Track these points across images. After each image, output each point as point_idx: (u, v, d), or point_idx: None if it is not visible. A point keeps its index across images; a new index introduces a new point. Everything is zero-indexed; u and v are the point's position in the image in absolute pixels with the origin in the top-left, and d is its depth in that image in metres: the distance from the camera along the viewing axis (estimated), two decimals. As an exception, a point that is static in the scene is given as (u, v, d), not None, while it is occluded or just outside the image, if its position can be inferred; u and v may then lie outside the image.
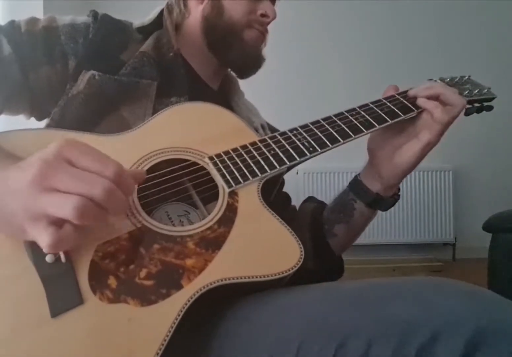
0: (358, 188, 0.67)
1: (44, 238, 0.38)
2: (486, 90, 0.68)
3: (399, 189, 0.68)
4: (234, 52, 0.71)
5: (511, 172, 2.64)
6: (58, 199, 0.37)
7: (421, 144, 0.60)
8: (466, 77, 0.71)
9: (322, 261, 0.69)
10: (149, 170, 0.53)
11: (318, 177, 2.58)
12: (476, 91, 0.67)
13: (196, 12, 0.73)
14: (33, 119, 0.70)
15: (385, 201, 0.66)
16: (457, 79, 0.69)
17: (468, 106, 0.67)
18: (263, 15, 0.71)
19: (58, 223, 0.38)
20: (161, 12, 0.72)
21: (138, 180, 0.46)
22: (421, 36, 2.68)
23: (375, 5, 2.65)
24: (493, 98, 0.69)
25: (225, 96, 0.80)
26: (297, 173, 2.54)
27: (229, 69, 0.80)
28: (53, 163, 0.38)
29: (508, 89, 2.52)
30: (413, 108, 0.63)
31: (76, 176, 0.38)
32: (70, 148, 0.39)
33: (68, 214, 0.37)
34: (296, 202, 0.82)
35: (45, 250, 0.39)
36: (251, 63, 0.75)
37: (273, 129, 0.80)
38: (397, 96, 0.65)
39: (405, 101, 0.64)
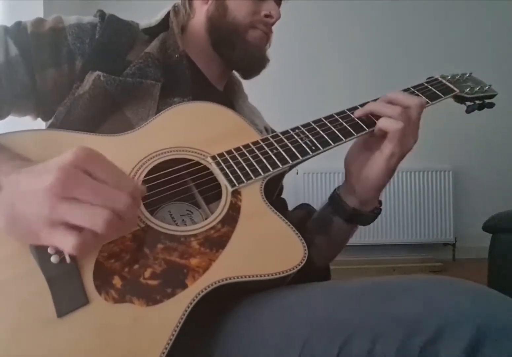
0: (335, 203, 0.64)
1: (68, 241, 0.37)
2: (487, 87, 0.69)
3: (380, 203, 0.65)
4: (237, 52, 0.72)
5: (511, 172, 2.64)
6: (82, 210, 0.37)
7: (384, 156, 0.57)
8: (468, 75, 0.71)
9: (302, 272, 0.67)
10: (152, 171, 0.53)
11: (318, 178, 2.57)
12: (478, 88, 0.67)
13: (201, 13, 0.73)
14: (36, 119, 0.70)
15: (363, 215, 0.63)
16: (458, 76, 0.70)
17: (469, 103, 0.67)
18: (267, 16, 0.71)
19: (76, 228, 0.38)
20: (168, 14, 0.72)
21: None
22: (421, 34, 2.67)
23: (376, 4, 2.65)
24: (494, 95, 0.69)
25: (229, 98, 0.80)
26: (297, 173, 2.54)
27: (234, 71, 0.80)
28: (71, 172, 0.37)
29: (508, 89, 2.52)
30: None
31: (98, 190, 0.38)
32: (87, 158, 0.39)
33: (97, 226, 0.37)
34: (296, 202, 0.81)
35: (70, 252, 0.39)
36: (255, 63, 0.75)
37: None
38: None
39: None
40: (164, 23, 0.71)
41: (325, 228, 0.65)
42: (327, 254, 0.69)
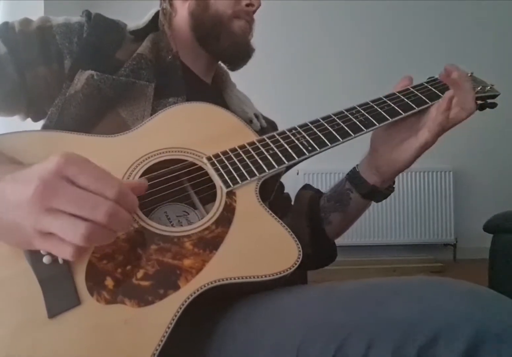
0: (355, 179, 0.68)
1: (65, 250, 0.38)
2: (489, 87, 0.67)
3: (394, 182, 0.70)
4: (222, 43, 0.72)
5: (512, 172, 2.64)
6: (63, 223, 0.37)
7: (419, 144, 0.60)
8: (469, 75, 0.68)
9: (318, 247, 0.70)
10: (147, 171, 0.52)
11: (318, 178, 2.57)
12: (479, 88, 0.65)
13: (182, 10, 0.74)
14: (29, 120, 0.70)
15: (380, 192, 0.68)
16: None
17: None
18: (248, 5, 0.73)
19: None
20: (155, 15, 0.73)
21: (141, 192, 0.45)
22: (421, 32, 2.67)
23: (375, 2, 2.64)
24: (496, 96, 0.67)
25: (218, 89, 0.81)
26: (297, 174, 2.54)
27: (220, 62, 0.81)
28: (51, 182, 0.37)
29: (508, 89, 2.51)
30: (414, 107, 0.62)
31: (77, 198, 0.37)
32: (69, 165, 0.38)
33: (76, 240, 0.37)
34: (296, 201, 0.82)
35: (68, 259, 0.40)
36: (241, 53, 0.76)
37: (266, 120, 0.81)
38: (397, 94, 0.64)
39: (405, 99, 0.63)
40: (152, 24, 0.72)
41: (341, 204, 0.70)
42: (339, 229, 0.73)
